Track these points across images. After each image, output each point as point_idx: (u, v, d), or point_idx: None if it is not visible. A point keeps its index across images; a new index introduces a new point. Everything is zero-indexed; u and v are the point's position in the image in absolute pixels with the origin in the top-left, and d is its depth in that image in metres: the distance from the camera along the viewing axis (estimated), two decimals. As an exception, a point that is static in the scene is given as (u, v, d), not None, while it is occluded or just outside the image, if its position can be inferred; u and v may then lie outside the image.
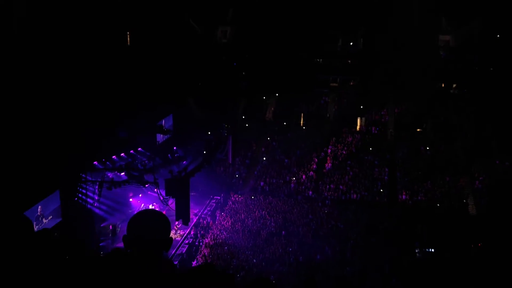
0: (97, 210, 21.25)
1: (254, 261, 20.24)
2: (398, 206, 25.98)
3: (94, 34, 19.49)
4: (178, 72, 25.77)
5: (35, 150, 15.77)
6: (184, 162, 24.81)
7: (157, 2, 24.94)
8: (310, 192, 27.87)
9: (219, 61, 29.76)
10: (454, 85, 31.46)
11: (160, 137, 27.35)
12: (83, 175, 19.99)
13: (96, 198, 20.41)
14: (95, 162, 20.81)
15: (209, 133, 29.39)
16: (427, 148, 30.01)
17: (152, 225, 2.45)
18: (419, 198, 26.60)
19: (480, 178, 27.40)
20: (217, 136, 27.88)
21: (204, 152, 26.19)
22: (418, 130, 31.25)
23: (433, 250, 21.60)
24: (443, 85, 31.81)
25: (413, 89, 28.00)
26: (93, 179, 20.22)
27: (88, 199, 20.54)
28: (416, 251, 21.64)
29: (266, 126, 32.92)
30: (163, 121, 27.45)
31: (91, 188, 20.51)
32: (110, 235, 22.22)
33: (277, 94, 33.35)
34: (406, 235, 22.56)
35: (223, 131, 27.66)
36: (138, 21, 23.94)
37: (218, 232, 23.40)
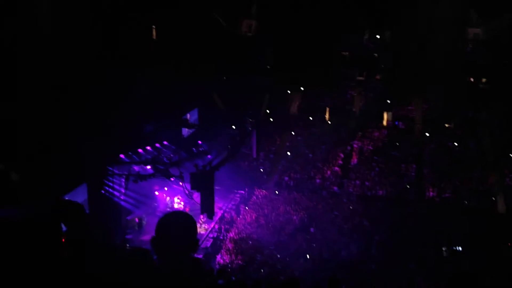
0: (123, 203, 21.53)
1: (278, 256, 20.21)
2: (425, 203, 25.50)
3: (121, 27, 19.67)
4: (203, 66, 25.82)
5: (62, 144, 16.03)
6: (209, 156, 24.87)
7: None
8: (335, 188, 27.64)
9: (243, 55, 29.65)
10: (484, 80, 30.60)
11: (185, 131, 27.52)
12: (109, 168, 20.29)
13: (123, 191, 20.69)
14: (121, 156, 21.05)
15: (233, 127, 29.39)
16: (455, 144, 29.37)
17: (179, 227, 2.43)
18: (447, 195, 26.04)
19: (510, 175, 26.66)
20: (242, 131, 27.84)
21: (229, 146, 26.19)
22: (446, 125, 30.59)
23: (460, 248, 21.14)
24: (472, 80, 30.98)
25: (441, 83, 27.34)
26: (119, 172, 20.50)
27: (115, 192, 20.83)
28: (443, 249, 21.22)
29: (291, 120, 32.75)
30: (188, 115, 27.60)
31: (117, 181, 20.80)
32: (136, 228, 22.55)
33: (302, 88, 33.08)
34: (433, 232, 22.14)
35: (248, 126, 27.59)
36: (164, 15, 24.06)
37: (242, 227, 23.47)
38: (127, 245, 19.95)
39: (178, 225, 2.46)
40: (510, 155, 27.61)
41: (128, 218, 22.42)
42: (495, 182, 26.44)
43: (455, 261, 20.24)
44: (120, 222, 21.13)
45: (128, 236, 21.32)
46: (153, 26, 25.36)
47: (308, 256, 20.46)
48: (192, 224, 2.49)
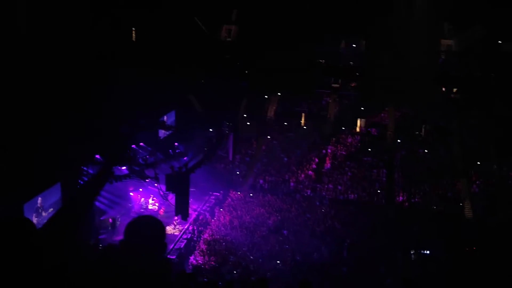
0: (97, 203, 21.49)
1: (251, 257, 20.51)
2: (395, 208, 26.20)
3: (99, 28, 19.72)
4: (181, 69, 26.00)
5: (36, 142, 15.99)
6: (185, 158, 25.06)
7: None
8: (309, 191, 28.13)
9: (222, 60, 29.98)
10: (455, 90, 31.66)
11: (162, 133, 27.61)
12: (84, 168, 20.25)
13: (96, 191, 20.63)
14: (96, 156, 21.04)
15: (210, 130, 29.63)
16: (426, 151, 30.24)
17: (147, 231, 2.58)
18: (416, 200, 26.83)
19: (477, 182, 27.63)
20: (219, 133, 28.10)
21: (205, 148, 26.41)
22: (417, 133, 31.48)
23: (428, 252, 21.84)
24: (443, 89, 32.01)
25: (413, 93, 28.17)
26: (94, 172, 20.46)
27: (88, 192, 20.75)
28: (411, 252, 21.88)
29: (267, 124, 33.19)
30: (165, 117, 27.70)
31: (91, 181, 20.74)
32: (110, 228, 22.51)
33: (279, 94, 33.59)
34: (401, 236, 22.79)
35: (225, 129, 27.87)
36: (144, 18, 24.17)
37: (216, 228, 23.69)
38: (100, 245, 19.95)
39: (145, 228, 2.60)
40: (478, 163, 28.58)
41: (102, 218, 22.39)
42: (463, 189, 27.38)
43: (423, 264, 20.89)
44: (94, 222, 21.08)
45: (102, 236, 21.30)
46: (133, 28, 25.45)
47: (280, 258, 20.80)
48: (160, 228, 2.64)
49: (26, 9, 16.10)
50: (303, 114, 33.71)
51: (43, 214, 18.28)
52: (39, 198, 17.92)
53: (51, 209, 18.63)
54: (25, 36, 16.02)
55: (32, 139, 15.78)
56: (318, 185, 28.53)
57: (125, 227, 2.58)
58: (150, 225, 2.62)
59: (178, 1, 26.23)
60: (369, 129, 32.51)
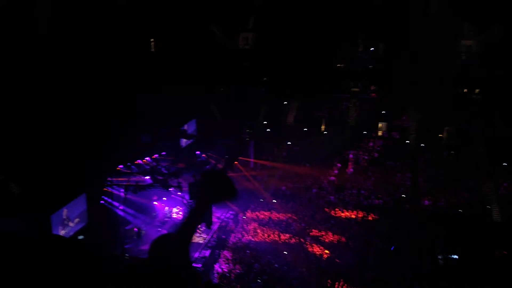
0: (122, 214, 21.73)
1: (276, 265, 20.40)
2: (420, 212, 25.79)
3: (119, 40, 20.03)
4: (201, 77, 26.21)
5: (62, 155, 16.24)
6: (207, 166, 25.18)
7: (180, 9, 25.44)
8: (332, 197, 27.90)
9: (240, 67, 30.11)
10: (477, 91, 31.11)
11: (183, 142, 27.81)
12: (109, 179, 20.52)
13: (122, 201, 20.90)
14: (120, 166, 21.30)
15: (231, 138, 29.74)
16: (450, 153, 29.76)
17: (171, 252, 2.58)
18: (442, 204, 26.37)
19: (504, 184, 27.04)
20: (239, 141, 28.19)
21: (226, 156, 26.53)
22: (440, 135, 31.01)
23: (456, 257, 21.41)
24: (465, 91, 31.49)
25: (434, 95, 27.82)
26: (118, 183, 20.74)
27: (114, 203, 21.04)
28: (439, 257, 21.48)
29: (287, 131, 33.12)
30: (186, 126, 27.90)
31: (116, 192, 21.03)
32: (135, 237, 22.72)
33: (298, 100, 33.51)
34: (428, 241, 22.41)
35: (245, 136, 27.95)
36: (162, 28, 24.48)
37: (240, 236, 23.68)
38: (126, 255, 20.13)
39: (170, 249, 2.62)
40: (504, 164, 27.99)
41: (127, 228, 22.60)
42: (490, 191, 26.78)
43: (451, 269, 20.49)
44: (119, 232, 21.30)
45: (127, 246, 21.48)
46: (152, 39, 25.79)
47: (305, 265, 20.64)
48: (184, 246, 2.65)
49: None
50: (323, 120, 33.55)
51: (70, 224, 18.52)
52: (65, 210, 18.14)
53: (77, 219, 18.87)
54: (48, 50, 16.34)
55: (57, 151, 16.04)
56: (341, 191, 28.29)
57: (150, 245, 2.60)
58: (174, 245, 2.63)
59: (194, 10, 26.48)
60: (391, 133, 32.17)
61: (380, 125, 32.60)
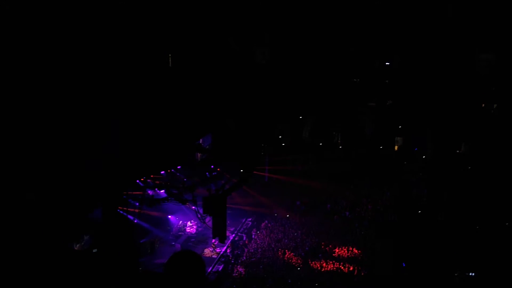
0: (137, 227, 21.88)
1: (289, 281, 20.23)
2: (436, 228, 25.37)
3: (136, 56, 20.33)
4: (217, 92, 26.38)
5: (79, 169, 16.45)
6: (221, 181, 25.23)
7: (198, 25, 25.74)
8: (347, 213, 27.67)
9: (257, 82, 30.22)
10: (495, 105, 30.67)
11: (198, 156, 27.93)
12: (124, 193, 20.68)
13: (136, 215, 21.03)
14: (136, 180, 21.49)
15: (246, 152, 29.75)
16: (468, 168, 29.30)
17: (188, 269, 2.67)
18: (459, 219, 25.89)
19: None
20: (254, 155, 28.17)
21: (241, 170, 26.54)
22: (458, 151, 30.57)
23: (473, 274, 20.92)
24: (483, 105, 31.07)
25: (450, 109, 27.52)
26: (134, 196, 20.90)
27: (129, 216, 21.19)
28: (455, 274, 21.02)
29: (302, 145, 33.02)
30: (202, 140, 28.05)
31: (131, 205, 21.18)
32: (149, 251, 22.81)
33: (313, 114, 33.45)
34: (445, 257, 21.99)
35: (261, 151, 27.95)
36: (179, 43, 24.76)
37: (253, 251, 23.59)
38: (140, 268, 20.22)
39: (186, 267, 2.70)
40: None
41: (142, 241, 22.73)
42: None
43: (468, 286, 20.05)
44: (134, 246, 21.40)
45: (141, 260, 21.58)
46: (169, 54, 26.11)
47: (319, 281, 20.44)
48: (200, 265, 2.74)
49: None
50: (339, 134, 33.40)
51: (85, 237, 18.73)
52: (80, 223, 18.30)
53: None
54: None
55: (75, 166, 16.26)
56: (357, 206, 28.05)
57: (168, 261, 2.68)
58: (190, 263, 2.71)
59: (212, 25, 26.75)
60: (407, 147, 31.83)
61: (397, 139, 32.29)
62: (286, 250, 23.35)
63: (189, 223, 25.55)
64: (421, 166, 29.99)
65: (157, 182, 22.50)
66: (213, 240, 22.97)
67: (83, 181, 16.53)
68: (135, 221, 21.20)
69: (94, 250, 18.51)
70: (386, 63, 31.40)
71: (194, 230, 25.38)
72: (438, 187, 28.43)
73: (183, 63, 25.68)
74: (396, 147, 32.23)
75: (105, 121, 17.71)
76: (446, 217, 26.11)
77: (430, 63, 27.32)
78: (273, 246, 23.89)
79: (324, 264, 21.91)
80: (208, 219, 21.00)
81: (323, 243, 24.15)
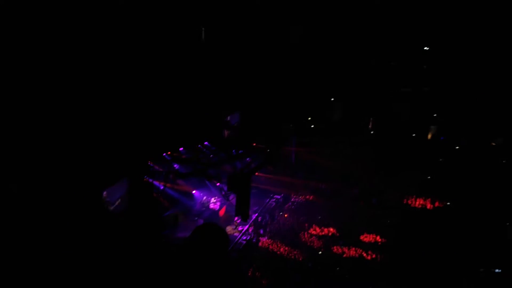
0: (161, 200, 22.00)
1: (309, 265, 20.02)
2: (465, 220, 24.64)
3: (169, 28, 20.09)
4: (248, 70, 26.02)
5: (107, 139, 16.50)
6: (247, 159, 25.06)
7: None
8: (374, 200, 27.16)
9: (290, 62, 29.65)
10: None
11: (225, 133, 27.79)
12: (150, 165, 20.76)
13: (162, 188, 21.13)
14: (163, 154, 21.50)
15: (274, 132, 29.47)
16: (503, 161, 28.32)
17: (211, 242, 2.50)
18: (487, 211, 25.05)
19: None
20: (282, 136, 27.89)
21: (268, 150, 26.30)
22: (493, 144, 29.52)
23: (499, 270, 20.25)
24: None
25: (489, 100, 26.47)
26: (159, 169, 20.97)
27: (154, 189, 21.31)
28: (481, 270, 20.37)
29: (332, 128, 32.45)
30: (229, 117, 27.87)
31: (157, 178, 21.27)
32: (172, 224, 22.96)
33: (346, 97, 32.73)
34: (472, 252, 21.35)
35: (288, 131, 27.62)
36: (212, 18, 24.38)
37: (276, 232, 23.45)
38: (164, 240, 20.41)
39: (212, 237, 2.53)
40: None
41: (165, 214, 22.88)
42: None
43: (493, 283, 19.44)
44: (157, 218, 21.58)
45: (165, 232, 21.74)
46: (203, 28, 25.78)
47: (341, 266, 20.18)
48: (224, 238, 2.55)
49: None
50: (370, 119, 32.62)
51: (110, 208, 18.87)
52: (104, 192, 18.45)
53: (119, 200, 19.17)
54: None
55: (102, 137, 16.32)
56: (383, 193, 27.51)
57: (193, 232, 2.54)
58: (216, 235, 2.59)
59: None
60: (441, 138, 30.92)
61: (430, 128, 31.35)
62: (307, 233, 23.10)
63: (213, 200, 25.57)
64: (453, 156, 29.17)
65: (183, 156, 22.46)
66: (236, 218, 22.92)
67: (109, 152, 16.64)
68: (161, 187, 21.08)
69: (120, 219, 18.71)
70: (425, 48, 30.26)
71: (218, 207, 25.38)
72: (469, 177, 27.58)
73: (215, 38, 25.35)
74: (429, 135, 31.32)
75: (136, 94, 17.69)
76: (474, 211, 25.28)
77: (469, 49, 26.22)
78: (295, 228, 23.69)
79: (346, 250, 21.57)
80: (232, 197, 20.95)
81: (346, 228, 23.77)
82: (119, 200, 19.20)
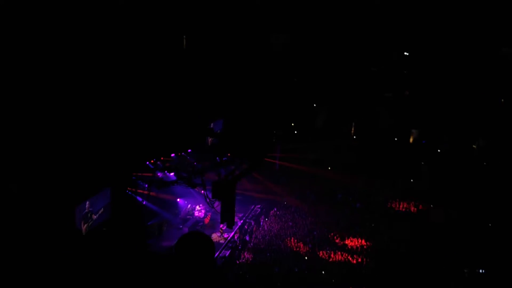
0: (145, 209, 21.79)
1: (296, 270, 20.01)
2: (447, 222, 24.94)
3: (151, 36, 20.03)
4: (231, 77, 26.04)
5: (89, 148, 16.30)
6: (232, 166, 24.98)
7: (214, 6, 25.29)
8: (358, 204, 27.32)
9: (273, 69, 29.77)
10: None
11: (209, 140, 27.70)
12: (134, 174, 20.56)
13: (145, 197, 20.95)
14: (146, 162, 21.33)
15: (257, 138, 29.45)
16: (485, 165, 28.74)
17: (198, 250, 2.47)
18: (470, 215, 25.43)
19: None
20: (266, 142, 27.86)
21: (252, 157, 26.24)
22: (474, 146, 29.97)
23: (483, 271, 20.51)
24: (502, 101, 30.30)
25: (470, 103, 26.90)
26: (143, 178, 20.77)
27: (137, 198, 21.10)
28: (465, 271, 20.61)
29: (315, 134, 32.61)
30: (213, 124, 27.79)
31: (140, 187, 21.09)
32: (156, 233, 22.74)
33: (328, 103, 32.97)
34: (456, 253, 21.61)
35: (272, 138, 27.62)
36: (194, 25, 24.37)
37: (261, 238, 23.40)
38: (148, 250, 20.18)
39: (196, 248, 2.50)
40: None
41: (149, 223, 22.65)
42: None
43: (477, 283, 19.68)
44: (142, 227, 21.35)
45: (149, 241, 21.51)
46: (184, 36, 25.73)
47: (327, 270, 20.20)
48: (210, 247, 2.52)
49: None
50: (353, 124, 32.88)
51: (93, 217, 18.62)
52: (87, 202, 18.20)
53: (102, 210, 18.91)
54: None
55: (84, 146, 16.11)
56: (367, 197, 27.69)
57: (177, 241, 2.48)
58: (200, 246, 2.54)
59: (228, 8, 26.27)
60: (423, 141, 31.29)
61: (412, 132, 31.71)
62: (294, 239, 23.10)
63: (197, 207, 25.42)
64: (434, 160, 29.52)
65: (167, 165, 22.29)
66: (221, 225, 22.81)
67: (93, 161, 16.43)
68: (144, 202, 21.13)
69: (104, 229, 18.47)
70: (405, 53, 30.71)
71: (203, 214, 25.24)
72: (451, 181, 27.94)
73: (197, 45, 25.33)
74: (411, 139, 31.68)
75: (118, 102, 17.54)
76: (458, 212, 25.63)
77: (450, 54, 26.66)
78: (281, 234, 23.67)
79: (332, 255, 21.63)
80: (216, 204, 20.81)
81: (332, 233, 23.85)
82: (102, 209, 18.97)
